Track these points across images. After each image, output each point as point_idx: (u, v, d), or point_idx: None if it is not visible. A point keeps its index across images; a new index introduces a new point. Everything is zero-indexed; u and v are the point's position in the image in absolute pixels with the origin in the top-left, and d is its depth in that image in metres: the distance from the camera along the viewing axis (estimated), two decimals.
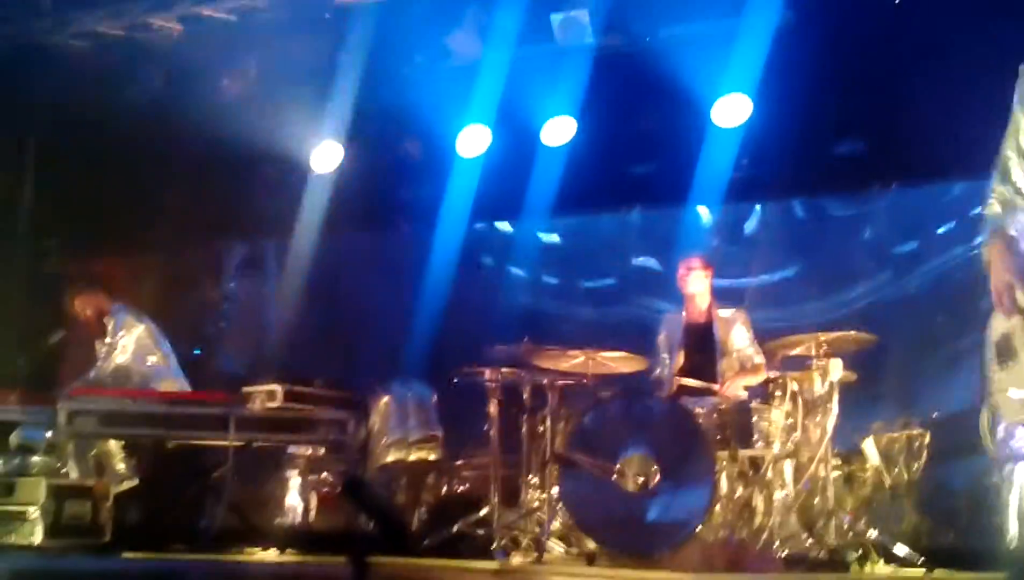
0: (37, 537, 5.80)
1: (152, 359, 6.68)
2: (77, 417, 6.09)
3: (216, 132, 7.42)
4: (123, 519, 6.26)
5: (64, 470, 6.35)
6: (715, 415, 5.27)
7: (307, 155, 7.78)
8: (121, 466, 6.39)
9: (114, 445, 6.40)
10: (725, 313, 6.03)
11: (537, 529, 5.39)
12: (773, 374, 5.41)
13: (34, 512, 5.88)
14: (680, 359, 5.98)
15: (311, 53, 7.57)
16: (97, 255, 8.07)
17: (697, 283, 6.09)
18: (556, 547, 5.27)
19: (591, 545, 5.07)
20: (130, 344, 6.62)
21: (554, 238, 8.31)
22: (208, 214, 8.09)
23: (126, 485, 6.34)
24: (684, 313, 6.16)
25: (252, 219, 8.23)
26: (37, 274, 8.02)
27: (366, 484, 6.31)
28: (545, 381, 5.70)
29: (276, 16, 7.51)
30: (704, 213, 7.79)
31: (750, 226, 7.89)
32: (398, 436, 6.87)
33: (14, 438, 6.30)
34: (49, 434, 6.24)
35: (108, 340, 6.65)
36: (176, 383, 6.69)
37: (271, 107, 7.54)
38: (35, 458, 6.26)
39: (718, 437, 5.18)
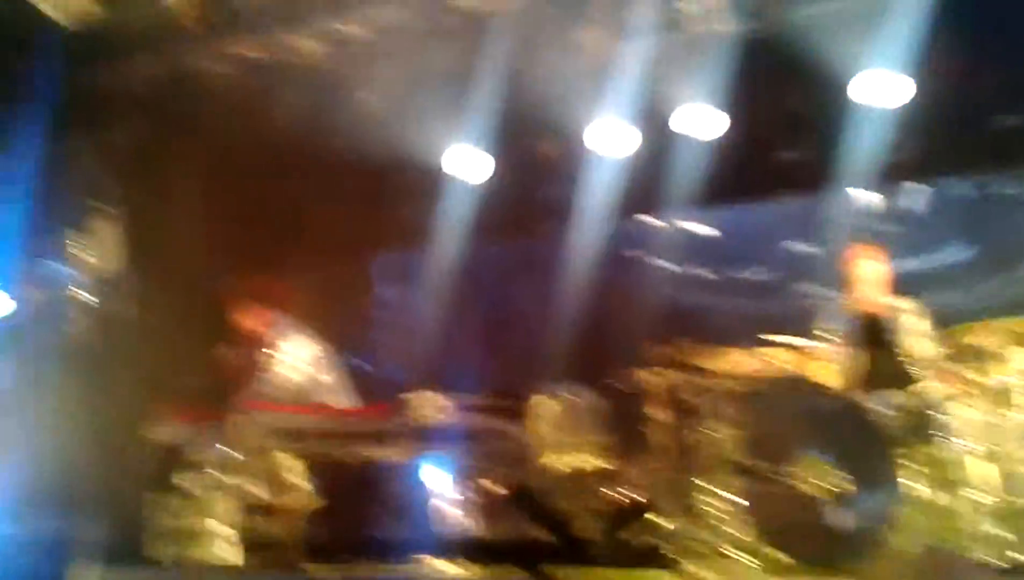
0: (228, 554, 5.92)
1: (322, 374, 6.75)
2: (252, 433, 6.22)
3: (361, 145, 7.48)
4: (308, 535, 6.38)
5: (249, 487, 6.49)
6: (898, 413, 4.95)
7: (449, 162, 7.75)
8: (298, 480, 6.44)
9: (291, 460, 6.45)
10: (900, 303, 5.67)
11: (713, 537, 5.21)
12: (961, 369, 5.03)
13: (224, 530, 6.02)
14: (861, 356, 5.63)
15: (447, 61, 7.55)
16: (258, 272, 8.22)
17: (866, 269, 5.75)
18: (735, 556, 5.08)
19: (775, 555, 4.86)
20: (299, 358, 6.70)
21: (705, 229, 8.04)
22: (358, 226, 8.16)
23: (304, 499, 6.40)
24: (851, 302, 5.82)
25: (400, 228, 8.24)
26: (203, 293, 8.22)
27: (534, 493, 6.24)
28: (709, 382, 5.50)
29: (411, 28, 7.51)
30: (863, 196, 7.40)
31: (914, 207, 7.46)
32: (563, 442, 6.74)
33: (199, 456, 6.46)
34: (230, 451, 6.36)
35: (276, 355, 6.73)
36: (347, 397, 6.75)
37: (412, 117, 7.52)
38: (216, 474, 6.40)
39: (903, 437, 4.87)
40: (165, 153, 8.06)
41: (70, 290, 8.28)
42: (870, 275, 5.76)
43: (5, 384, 7.80)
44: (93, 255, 8.14)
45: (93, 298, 7.96)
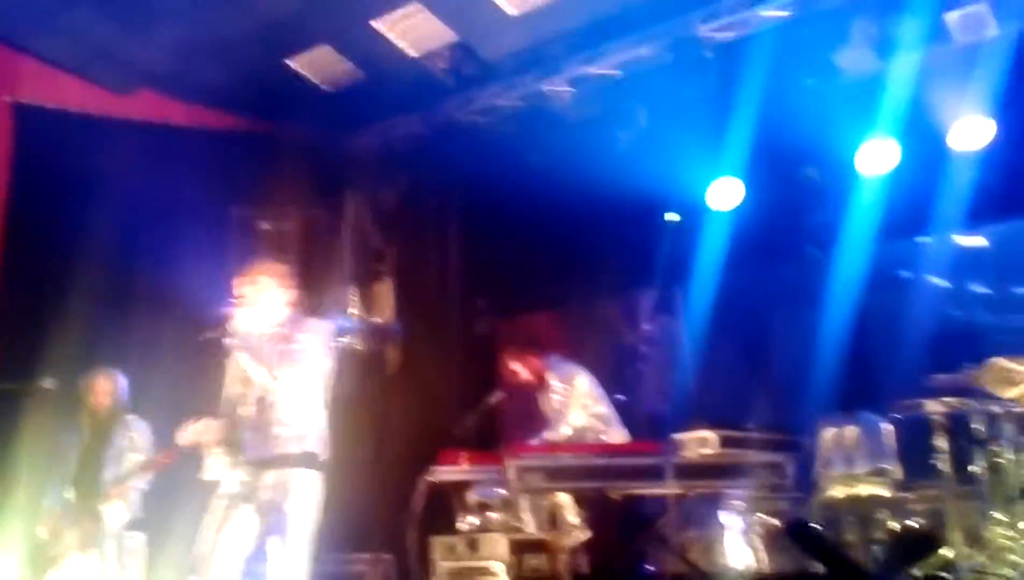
0: None
1: (597, 409, 7.12)
2: (525, 474, 6.57)
3: (616, 183, 7.93)
4: (577, 570, 6.80)
5: (519, 524, 7.01)
6: None
7: (710, 194, 8.07)
8: (573, 518, 6.83)
9: (565, 498, 6.84)
10: None
11: (1010, 571, 5.28)
12: None
13: (497, 566, 6.55)
14: None
15: (697, 93, 7.90)
16: (520, 313, 8.83)
17: None
18: None
19: None
20: (573, 395, 7.10)
21: (980, 243, 7.98)
22: (618, 263, 8.58)
23: (579, 536, 6.78)
24: None
25: (661, 263, 8.60)
26: (469, 335, 8.90)
27: (811, 526, 6.43)
28: (998, 409, 5.59)
29: (659, 63, 7.94)
30: None
31: None
32: (843, 470, 6.88)
33: (472, 497, 6.95)
34: (502, 491, 6.91)
35: (552, 395, 7.17)
36: (620, 433, 7.10)
37: (665, 153, 7.90)
38: (493, 515, 6.95)
39: None
40: (426, 205, 8.85)
41: (345, 342, 9.17)
42: None
43: None
44: (365, 307, 9.00)
45: (367, 348, 8.79)
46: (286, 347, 4.79)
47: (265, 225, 8.74)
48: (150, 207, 8.03)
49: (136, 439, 6.64)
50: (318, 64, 8.44)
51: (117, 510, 6.51)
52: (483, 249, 8.78)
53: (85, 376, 6.76)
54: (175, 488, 6.99)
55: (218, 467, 4.83)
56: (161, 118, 8.49)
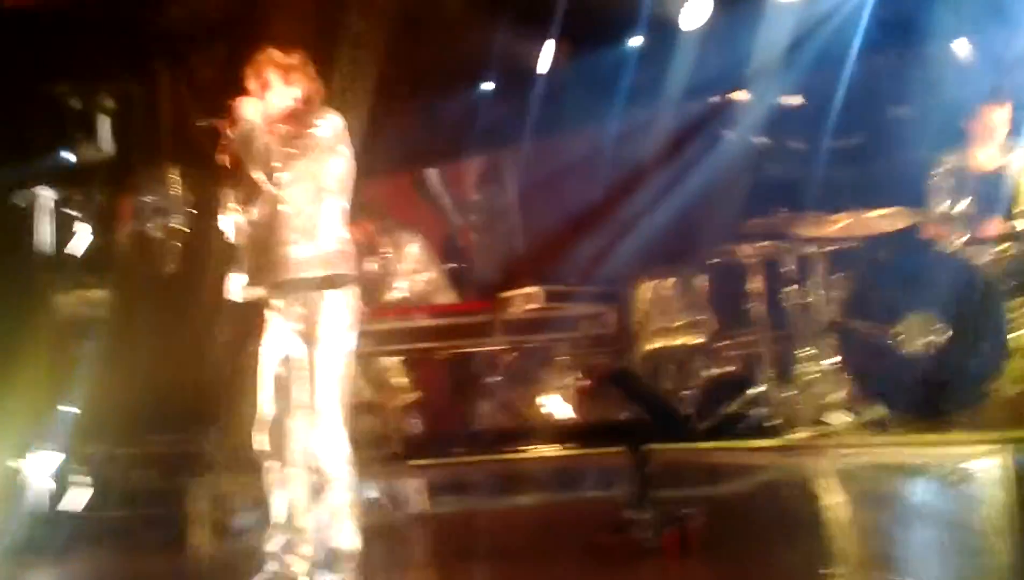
0: None
1: (427, 275, 6.92)
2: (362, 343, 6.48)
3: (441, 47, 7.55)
4: (408, 430, 6.69)
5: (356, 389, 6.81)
6: (1003, 262, 4.97)
7: (531, 59, 7.80)
8: (402, 380, 6.72)
9: (393, 361, 6.71)
10: (1013, 157, 5.48)
11: (814, 401, 5.31)
12: None
13: None
14: (967, 212, 5.54)
15: None
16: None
17: (985, 125, 5.60)
18: (841, 417, 5.19)
19: (880, 412, 4.97)
20: (404, 261, 6.88)
21: (796, 100, 7.91)
22: (444, 131, 8.30)
23: (407, 398, 6.68)
24: (965, 160, 5.66)
25: (486, 130, 8.35)
26: None
27: (632, 374, 6.43)
28: (808, 250, 5.56)
29: None
30: (963, 48, 7.12)
31: None
32: (662, 322, 6.88)
33: None
34: None
35: (383, 261, 6.88)
36: (449, 296, 6.96)
37: (491, 16, 7.55)
38: None
39: (1011, 284, 4.89)
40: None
41: (161, 222, 8.64)
42: (988, 132, 5.64)
43: (105, 313, 8.23)
44: (182, 187, 8.45)
45: (186, 227, 8.28)
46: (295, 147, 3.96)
47: (75, 103, 8.10)
48: None
49: None
50: None
51: None
52: None
53: None
54: None
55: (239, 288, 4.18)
56: None
